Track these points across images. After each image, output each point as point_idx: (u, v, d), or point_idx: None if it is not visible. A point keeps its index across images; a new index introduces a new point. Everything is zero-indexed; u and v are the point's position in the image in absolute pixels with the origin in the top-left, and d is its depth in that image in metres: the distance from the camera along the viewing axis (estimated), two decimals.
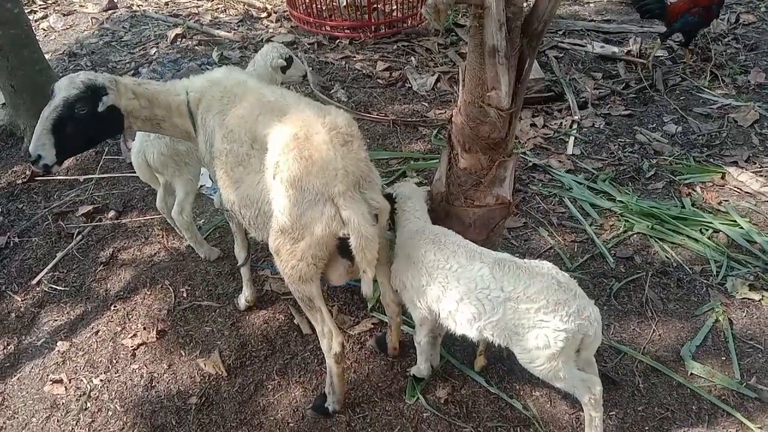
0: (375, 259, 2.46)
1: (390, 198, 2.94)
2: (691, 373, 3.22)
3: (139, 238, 4.33)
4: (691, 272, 3.84)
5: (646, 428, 2.97)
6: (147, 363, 3.43)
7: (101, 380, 3.36)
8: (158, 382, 3.33)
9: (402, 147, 5.17)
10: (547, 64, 6.50)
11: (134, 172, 3.97)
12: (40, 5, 8.62)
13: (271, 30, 7.54)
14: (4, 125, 5.49)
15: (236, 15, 8.04)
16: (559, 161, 4.96)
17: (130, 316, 3.72)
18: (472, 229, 3.07)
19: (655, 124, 5.50)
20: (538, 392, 3.15)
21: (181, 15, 8.03)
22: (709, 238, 4.07)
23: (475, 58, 2.71)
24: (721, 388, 3.13)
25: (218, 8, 8.30)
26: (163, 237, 4.30)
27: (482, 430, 2.99)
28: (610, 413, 3.01)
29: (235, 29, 7.53)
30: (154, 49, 6.97)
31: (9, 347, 3.62)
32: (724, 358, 3.30)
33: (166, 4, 8.57)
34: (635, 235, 4.15)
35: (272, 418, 3.11)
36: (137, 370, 3.40)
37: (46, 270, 4.09)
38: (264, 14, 8.04)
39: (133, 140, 3.77)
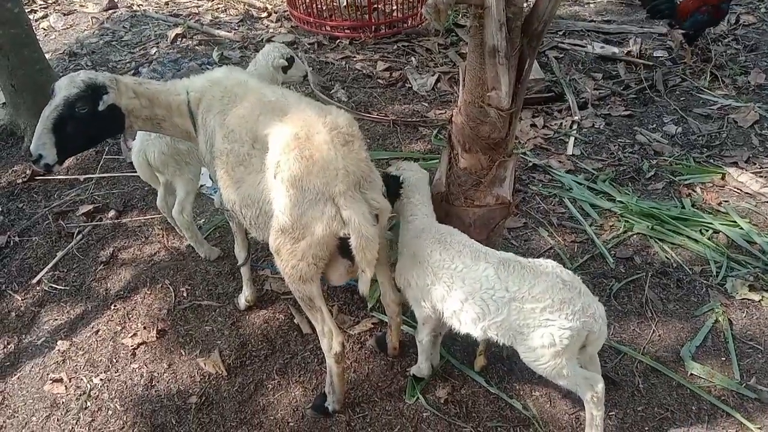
0: (375, 259, 2.46)
1: (396, 180, 2.92)
2: (691, 374, 3.22)
3: (139, 237, 4.33)
4: (691, 273, 3.84)
5: (646, 428, 2.98)
6: (147, 362, 3.43)
7: (101, 379, 3.36)
8: (158, 382, 3.33)
9: (402, 147, 5.17)
10: (548, 64, 6.51)
11: (134, 172, 3.97)
12: (40, 5, 8.62)
13: (271, 30, 7.54)
14: (4, 124, 5.50)
15: (236, 15, 8.04)
16: (559, 161, 4.96)
17: (130, 316, 3.72)
18: (472, 229, 3.07)
19: (655, 125, 5.50)
20: (537, 392, 3.15)
21: (181, 15, 8.03)
22: (709, 239, 4.07)
23: (475, 59, 2.71)
24: (720, 389, 3.14)
25: (218, 8, 8.30)
26: (163, 236, 4.30)
27: (482, 430, 2.99)
28: (610, 413, 3.01)
29: (235, 29, 7.53)
30: (155, 49, 6.98)
31: (9, 346, 3.62)
32: (723, 359, 3.31)
33: (167, 3, 8.57)
34: (635, 236, 4.15)
35: (272, 418, 3.11)
36: (137, 370, 3.40)
37: (46, 269, 4.09)
38: (264, 14, 8.05)
39: (134, 140, 3.77)
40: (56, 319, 3.76)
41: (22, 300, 3.91)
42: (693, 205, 4.40)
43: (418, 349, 3.08)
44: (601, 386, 2.58)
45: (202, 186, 4.48)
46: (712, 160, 4.95)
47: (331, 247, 2.54)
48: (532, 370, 2.65)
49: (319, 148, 2.42)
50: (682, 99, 5.85)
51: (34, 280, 4.03)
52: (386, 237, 2.97)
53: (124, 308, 3.77)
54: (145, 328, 3.61)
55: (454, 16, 7.38)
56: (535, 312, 2.45)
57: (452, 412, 3.07)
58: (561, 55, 6.69)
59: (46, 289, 3.96)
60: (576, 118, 5.57)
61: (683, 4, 6.04)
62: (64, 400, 3.26)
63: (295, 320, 3.61)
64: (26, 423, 3.17)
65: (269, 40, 6.95)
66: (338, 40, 7.12)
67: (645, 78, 6.14)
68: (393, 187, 2.92)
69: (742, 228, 4.12)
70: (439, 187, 3.19)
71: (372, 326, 3.55)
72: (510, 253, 2.71)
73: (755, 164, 4.86)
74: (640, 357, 3.31)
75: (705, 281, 3.78)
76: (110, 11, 8.28)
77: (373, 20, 7.18)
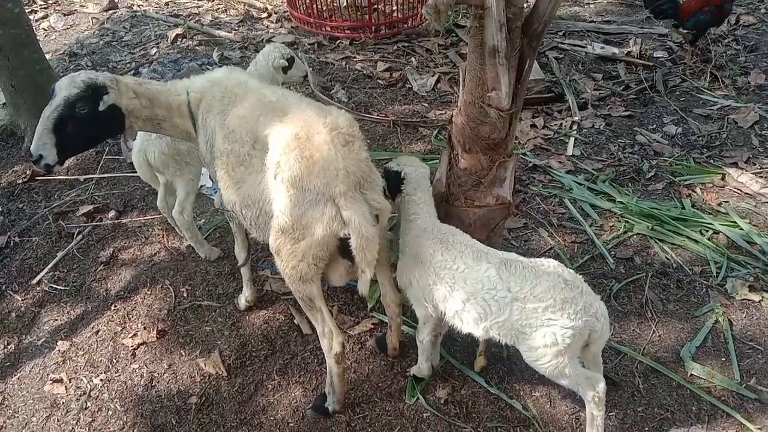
0: (375, 259, 2.46)
1: (397, 176, 2.89)
2: (691, 374, 3.22)
3: (139, 237, 4.33)
4: (691, 273, 3.84)
5: (646, 429, 2.98)
6: (147, 363, 3.44)
7: (101, 380, 3.36)
8: (158, 382, 3.33)
9: (402, 147, 5.17)
10: (548, 64, 6.51)
11: (135, 172, 3.97)
12: (40, 5, 8.63)
13: (271, 30, 7.55)
14: (4, 125, 5.50)
15: (237, 15, 8.05)
16: (559, 162, 4.97)
17: (131, 316, 3.72)
18: (472, 230, 3.07)
19: (655, 125, 5.50)
20: (537, 393, 3.15)
21: (181, 15, 8.03)
22: (709, 239, 4.08)
23: (475, 59, 2.72)
24: (720, 389, 3.14)
25: (219, 8, 8.31)
26: (163, 237, 4.30)
27: (482, 431, 2.99)
28: (610, 414, 3.01)
29: (235, 29, 7.53)
30: (155, 49, 6.98)
31: (9, 346, 3.62)
32: (723, 359, 3.31)
33: (167, 4, 8.58)
34: (635, 236, 4.15)
35: (272, 418, 3.11)
36: (137, 370, 3.40)
37: (46, 269, 4.09)
38: (264, 14, 8.05)
39: (134, 140, 3.77)
40: (56, 320, 3.76)
41: (22, 300, 3.91)
42: (693, 206, 4.40)
43: (418, 349, 3.09)
44: (602, 386, 2.59)
45: (202, 186, 4.48)
46: (712, 161, 4.95)
47: (331, 248, 2.54)
48: (533, 369, 2.64)
49: (319, 148, 2.42)
50: (682, 99, 5.85)
51: (35, 281, 4.03)
52: (386, 237, 2.97)
53: (125, 308, 3.77)
54: (145, 328, 3.61)
55: (454, 16, 7.38)
56: (537, 312, 2.45)
57: (452, 413, 3.07)
58: (561, 56, 6.69)
59: (47, 289, 3.96)
60: (576, 118, 5.57)
61: (686, 4, 6.05)
62: (64, 401, 3.26)
63: (295, 321, 3.61)
64: (26, 423, 3.17)
65: (269, 41, 6.96)
66: (338, 41, 7.12)
67: (645, 78, 6.15)
68: (394, 183, 2.90)
69: (742, 228, 4.12)
70: (439, 187, 3.19)
71: (372, 327, 3.55)
72: (512, 253, 2.71)
73: (755, 164, 4.86)
74: (640, 357, 3.31)
75: (705, 282, 3.78)
76: (110, 11, 8.29)
77: (373, 21, 7.18)
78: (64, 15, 8.26)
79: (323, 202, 2.41)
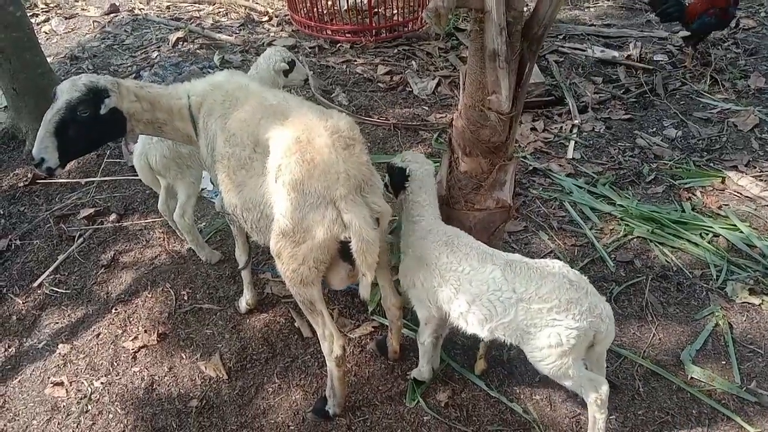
0: (375, 262, 2.46)
1: (401, 173, 2.85)
2: (691, 377, 3.22)
3: (140, 241, 4.34)
4: (691, 276, 3.84)
5: None
6: (148, 366, 3.44)
7: (102, 383, 3.36)
8: (159, 385, 3.33)
9: (403, 150, 5.17)
10: (548, 68, 6.52)
11: (135, 175, 3.98)
12: (42, 9, 8.65)
13: (272, 34, 7.57)
14: (6, 128, 5.51)
15: (238, 19, 8.07)
16: (560, 165, 4.97)
17: (131, 319, 3.73)
18: (472, 233, 3.06)
19: (655, 129, 5.51)
20: (538, 396, 3.15)
21: (182, 18, 8.06)
22: (709, 243, 4.08)
23: (475, 62, 2.72)
24: (721, 392, 3.13)
25: (220, 12, 8.33)
26: (164, 240, 4.31)
27: None
28: (611, 417, 3.00)
29: (236, 33, 7.55)
30: (156, 53, 7.00)
31: (10, 350, 3.62)
32: (724, 362, 3.31)
33: (168, 7, 8.60)
34: (635, 239, 4.16)
35: (273, 421, 3.11)
36: (138, 373, 3.40)
37: (47, 273, 4.09)
38: (265, 18, 8.07)
39: (135, 143, 3.78)
40: (57, 323, 3.76)
41: (23, 303, 3.92)
42: (693, 209, 4.40)
43: (419, 351, 3.09)
44: (605, 388, 2.59)
45: (203, 189, 4.49)
46: (712, 164, 4.95)
47: (332, 251, 2.54)
48: (534, 373, 2.66)
49: (320, 151, 2.43)
50: (682, 103, 5.86)
51: (35, 284, 4.03)
52: (387, 240, 2.97)
53: (125, 311, 3.78)
54: (145, 331, 3.61)
55: (454, 20, 7.40)
56: (542, 312, 2.46)
57: (453, 416, 3.07)
58: (561, 59, 6.70)
59: (47, 292, 3.97)
60: (576, 121, 5.58)
61: (691, 6, 6.08)
62: (64, 404, 3.26)
63: (295, 324, 3.61)
64: (27, 426, 3.17)
65: (270, 44, 6.97)
66: (339, 44, 7.13)
67: (645, 82, 6.15)
68: (398, 180, 2.87)
69: (742, 231, 4.12)
70: (439, 190, 3.19)
71: (372, 330, 3.55)
72: (516, 254, 2.72)
73: (755, 168, 4.87)
74: (641, 360, 3.31)
75: (705, 285, 3.78)
76: (112, 15, 8.32)
77: (373, 24, 7.20)
78: (66, 18, 8.29)
79: (324, 206, 2.42)
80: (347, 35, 7.20)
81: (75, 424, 3.15)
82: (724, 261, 3.91)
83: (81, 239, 4.35)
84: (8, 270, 4.18)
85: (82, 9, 8.66)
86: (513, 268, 2.56)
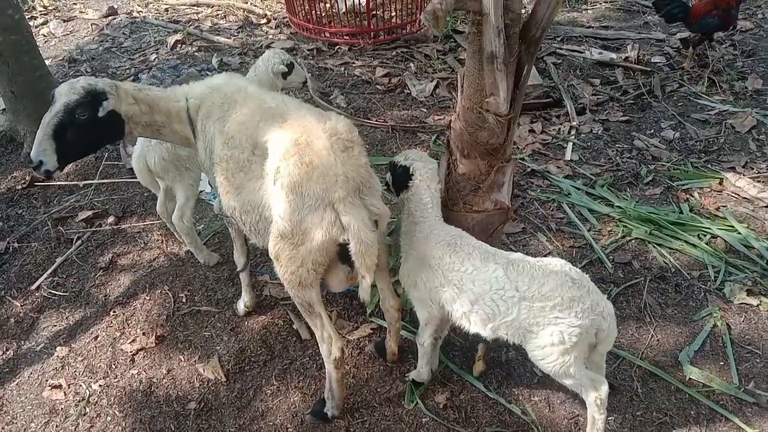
0: (374, 265, 2.47)
1: (405, 171, 2.82)
2: (690, 378, 3.22)
3: (138, 243, 4.34)
4: (689, 277, 3.85)
5: None
6: (146, 368, 3.43)
7: (100, 385, 3.36)
8: (157, 388, 3.33)
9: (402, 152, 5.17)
10: (546, 70, 6.53)
11: (134, 178, 3.98)
12: (40, 11, 8.66)
13: (270, 36, 7.57)
14: (4, 131, 5.51)
15: (236, 21, 8.07)
16: (558, 167, 4.98)
17: (129, 322, 3.72)
18: (471, 234, 3.08)
19: (653, 130, 5.52)
20: (536, 397, 3.15)
21: (180, 21, 8.06)
22: (707, 244, 4.08)
23: (473, 65, 2.73)
24: (719, 393, 3.14)
25: (218, 14, 8.34)
26: (162, 242, 4.30)
27: None
28: (609, 418, 3.00)
29: (234, 35, 7.56)
30: (154, 55, 7.00)
31: (8, 352, 3.62)
32: (722, 363, 3.31)
33: (166, 10, 8.61)
34: (633, 241, 4.16)
35: (271, 424, 3.11)
36: (136, 376, 3.40)
37: (45, 275, 4.09)
38: (264, 20, 8.08)
39: (133, 146, 3.78)
40: (55, 325, 3.76)
41: (21, 306, 3.91)
42: (691, 210, 4.41)
43: (418, 353, 3.09)
44: (605, 388, 2.60)
45: (201, 192, 4.48)
46: (709, 165, 4.96)
47: (330, 253, 2.54)
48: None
49: (318, 154, 2.43)
50: (679, 104, 5.87)
51: (33, 286, 4.03)
52: (385, 242, 2.97)
53: (123, 314, 3.77)
54: (144, 333, 3.61)
55: (452, 22, 7.41)
56: (545, 310, 2.47)
57: (451, 418, 3.07)
58: (559, 61, 6.72)
59: (45, 295, 3.96)
60: (574, 123, 5.59)
61: (695, 7, 6.11)
62: (63, 407, 3.26)
63: (294, 326, 3.61)
64: (25, 429, 3.17)
65: (268, 47, 6.98)
66: (337, 47, 7.14)
67: (643, 83, 6.17)
68: (401, 179, 2.84)
69: (739, 233, 4.13)
70: None
71: (371, 331, 3.55)
72: (518, 253, 2.72)
73: (753, 169, 4.88)
74: (639, 361, 3.31)
75: (703, 286, 3.79)
76: (110, 18, 8.32)
77: (371, 26, 7.21)
78: (64, 21, 8.29)
79: (322, 208, 2.42)
80: (345, 38, 7.21)
81: (73, 427, 3.15)
82: (722, 262, 3.92)
83: (79, 242, 4.35)
84: (6, 273, 4.17)
85: (81, 12, 8.66)
86: (515, 267, 2.56)
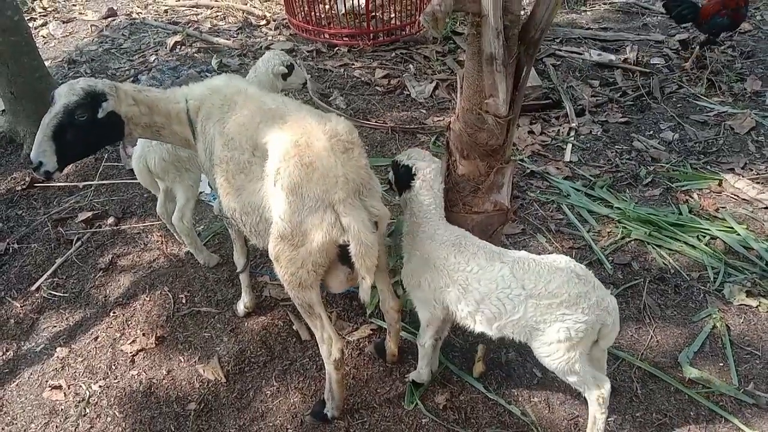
0: (374, 266, 2.47)
1: (408, 171, 2.79)
2: (689, 379, 3.23)
3: (138, 244, 4.34)
4: (689, 279, 3.85)
5: None
6: (146, 369, 3.43)
7: (100, 386, 3.36)
8: (157, 388, 3.33)
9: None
10: (545, 71, 6.54)
11: (133, 179, 3.98)
12: (39, 13, 8.66)
13: (270, 37, 7.58)
14: (3, 132, 5.51)
15: (235, 23, 8.08)
16: (557, 168, 4.99)
17: (129, 322, 3.73)
18: None
19: (652, 132, 5.53)
20: (536, 398, 3.15)
21: (180, 22, 8.07)
22: (706, 245, 4.09)
23: (472, 66, 2.73)
24: (718, 394, 3.14)
25: (217, 16, 8.34)
26: (162, 243, 4.31)
27: None
28: (609, 419, 3.01)
29: (234, 37, 7.56)
30: (154, 57, 7.00)
31: (8, 353, 3.62)
32: (721, 364, 3.31)
33: (166, 11, 8.61)
34: (633, 242, 4.17)
35: (271, 424, 3.11)
36: (136, 376, 3.40)
37: (45, 276, 4.09)
38: (263, 22, 8.08)
39: (133, 147, 3.78)
40: (55, 326, 3.76)
41: (21, 307, 3.91)
42: (690, 211, 4.42)
43: (418, 353, 3.09)
44: (608, 387, 2.61)
45: (201, 193, 4.49)
46: (709, 167, 4.97)
47: (330, 255, 2.55)
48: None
49: (319, 155, 2.43)
50: (678, 106, 5.88)
51: (33, 287, 4.03)
52: (385, 243, 2.97)
53: (123, 315, 3.78)
54: (144, 334, 3.61)
55: (451, 24, 7.42)
56: (552, 307, 2.47)
57: (451, 418, 3.07)
58: (558, 63, 6.72)
59: (45, 296, 3.96)
60: (573, 125, 5.59)
61: (704, 7, 6.13)
62: (62, 407, 3.26)
63: (293, 327, 3.61)
64: (25, 430, 3.17)
65: (268, 48, 6.98)
66: (337, 48, 7.15)
67: (642, 85, 6.18)
68: (404, 178, 2.81)
69: (739, 234, 4.14)
70: None
71: (371, 332, 3.56)
72: (523, 251, 2.73)
73: (752, 170, 4.89)
74: (638, 363, 3.32)
75: (702, 287, 3.79)
76: (109, 19, 8.32)
77: (371, 28, 7.22)
78: (64, 22, 8.29)
79: (322, 209, 2.42)
80: (345, 39, 7.21)
81: (73, 428, 3.15)
82: (722, 263, 3.93)
83: (79, 243, 4.35)
84: (6, 273, 4.17)
85: (80, 13, 8.67)
86: (521, 266, 2.57)
